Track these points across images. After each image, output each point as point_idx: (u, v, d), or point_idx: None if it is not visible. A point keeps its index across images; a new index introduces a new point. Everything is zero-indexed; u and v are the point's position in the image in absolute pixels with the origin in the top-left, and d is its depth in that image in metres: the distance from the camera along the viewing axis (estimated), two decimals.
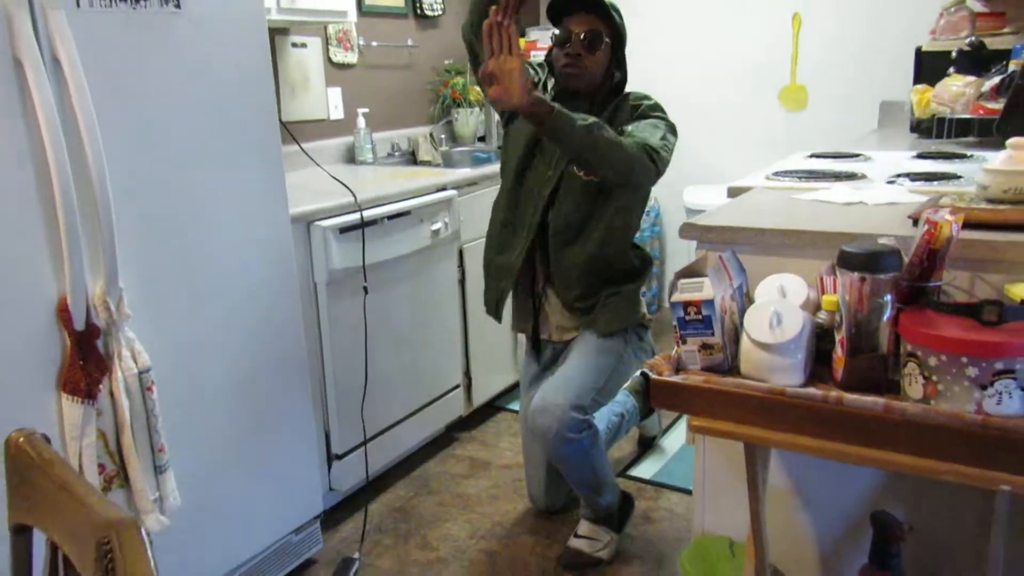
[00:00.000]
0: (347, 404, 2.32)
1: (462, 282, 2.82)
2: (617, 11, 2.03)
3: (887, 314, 1.24)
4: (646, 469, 2.62)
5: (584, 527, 2.16)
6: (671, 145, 1.98)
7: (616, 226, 2.06)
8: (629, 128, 1.96)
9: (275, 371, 1.99)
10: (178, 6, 1.64)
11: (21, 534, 0.69)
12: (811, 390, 1.22)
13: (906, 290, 1.26)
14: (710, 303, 1.32)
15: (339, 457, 2.34)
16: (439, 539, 2.29)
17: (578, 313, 2.11)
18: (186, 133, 1.70)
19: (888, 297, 1.23)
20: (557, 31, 2.04)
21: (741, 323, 1.34)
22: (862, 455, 1.17)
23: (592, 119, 1.82)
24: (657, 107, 2.05)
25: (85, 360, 1.50)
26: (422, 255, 2.58)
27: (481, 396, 2.99)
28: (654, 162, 1.89)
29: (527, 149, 2.08)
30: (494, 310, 2.23)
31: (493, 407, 3.14)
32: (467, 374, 2.90)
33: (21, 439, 0.65)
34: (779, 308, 1.29)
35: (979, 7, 2.92)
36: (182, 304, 1.74)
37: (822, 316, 1.36)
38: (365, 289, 2.30)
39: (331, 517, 2.38)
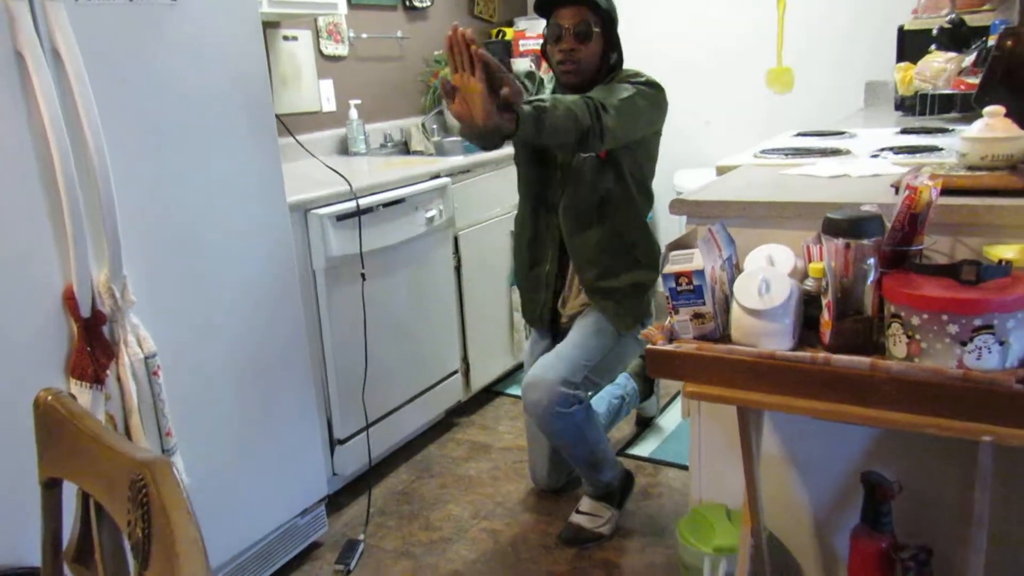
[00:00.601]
0: (348, 389, 2.36)
1: (458, 269, 2.85)
2: None
3: (871, 278, 1.29)
4: (644, 448, 2.67)
5: (585, 503, 2.20)
6: (638, 106, 1.94)
7: (625, 204, 2.10)
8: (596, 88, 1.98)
9: (277, 356, 2.02)
10: None
11: (52, 488, 0.72)
12: (800, 352, 1.26)
13: (889, 254, 1.31)
14: (700, 273, 1.36)
15: (341, 442, 2.38)
16: (442, 520, 2.33)
17: (598, 295, 2.14)
18: (184, 122, 1.73)
19: (872, 261, 1.27)
20: (547, 26, 2.06)
21: (731, 293, 1.38)
22: (850, 413, 1.22)
23: (547, 99, 1.78)
24: (636, 75, 2.06)
25: (92, 346, 1.53)
26: (418, 242, 2.61)
27: (479, 381, 3.03)
28: (598, 117, 1.83)
29: (536, 166, 2.15)
30: (539, 321, 2.29)
31: (491, 392, 3.18)
32: (465, 359, 2.94)
33: (49, 397, 0.68)
34: (767, 275, 1.33)
35: None
36: (185, 291, 1.77)
37: (809, 283, 1.40)
38: (363, 276, 2.34)
39: (335, 501, 2.42)
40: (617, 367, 2.21)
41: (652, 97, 2.00)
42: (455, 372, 2.88)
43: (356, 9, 3.23)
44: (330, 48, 3.14)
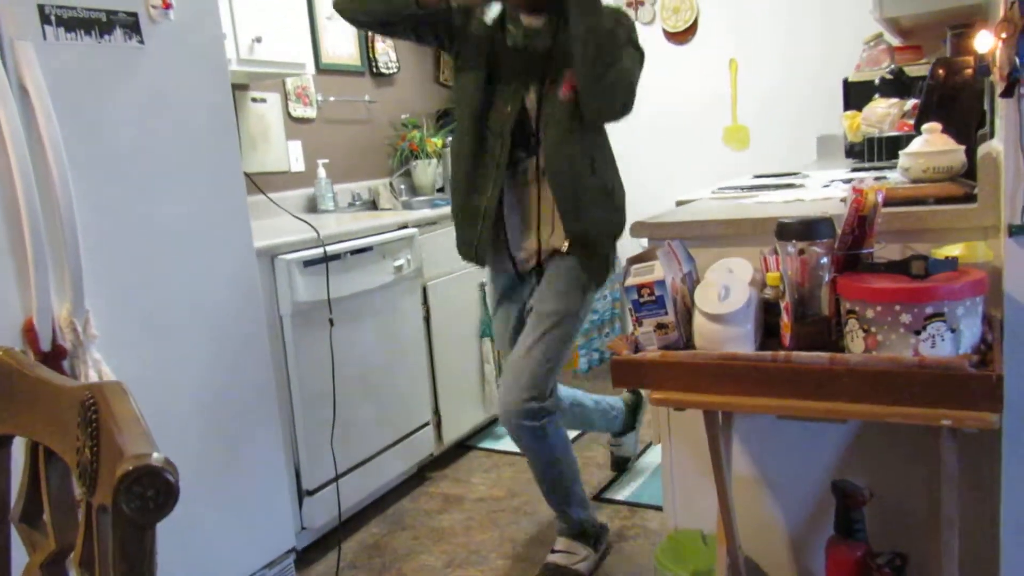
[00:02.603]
0: (317, 438, 2.32)
1: (427, 319, 2.85)
2: None
3: (826, 279, 1.32)
4: (620, 491, 2.63)
5: (561, 543, 2.15)
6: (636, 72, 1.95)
7: (602, 144, 2.07)
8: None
9: (243, 401, 1.99)
10: (141, 42, 1.72)
11: (2, 447, 0.70)
12: (761, 352, 1.28)
13: (842, 259, 1.35)
14: (662, 283, 1.39)
15: (310, 493, 2.31)
16: (414, 571, 2.26)
17: (579, 244, 2.03)
18: (151, 162, 1.76)
19: (824, 261, 1.31)
20: None
21: (692, 303, 1.41)
22: (813, 408, 1.23)
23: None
24: (636, 43, 2.00)
25: None
26: (386, 291, 2.62)
27: (452, 434, 2.99)
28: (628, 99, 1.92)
29: (483, 92, 2.02)
30: (473, 255, 2.13)
31: (464, 447, 3.13)
32: (436, 412, 2.91)
33: (1, 353, 0.67)
34: (727, 282, 1.36)
35: (896, 41, 3.14)
36: (149, 330, 1.76)
37: (768, 292, 1.43)
38: (331, 321, 2.33)
39: (304, 557, 2.34)
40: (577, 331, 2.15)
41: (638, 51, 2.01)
42: (427, 424, 2.84)
43: (324, 73, 3.32)
44: (299, 110, 3.22)
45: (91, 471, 0.51)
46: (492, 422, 3.28)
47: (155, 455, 0.49)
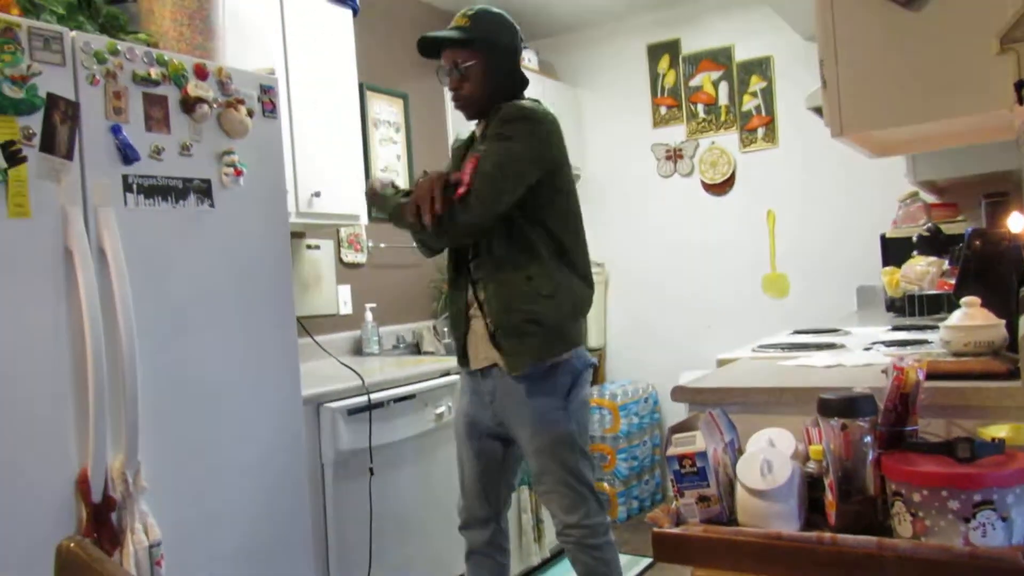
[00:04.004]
0: None
1: None
2: (478, 24, 2.05)
3: (870, 456, 1.31)
4: None
5: None
6: (501, 173, 1.92)
7: (525, 243, 2.01)
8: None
9: (279, 550, 1.99)
10: (212, 205, 1.86)
11: None
12: (807, 533, 1.26)
13: (885, 435, 1.34)
14: (703, 455, 1.39)
15: None
16: None
17: (501, 334, 2.01)
18: (212, 317, 1.85)
19: (868, 439, 1.31)
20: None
21: (735, 475, 1.40)
22: None
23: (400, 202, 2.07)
24: (514, 118, 1.99)
25: (99, 533, 1.53)
26: (426, 438, 2.63)
27: None
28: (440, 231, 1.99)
29: None
30: (462, 358, 2.16)
31: None
32: None
33: (72, 544, 0.70)
34: (768, 456, 1.36)
35: (931, 198, 3.22)
36: (194, 480, 1.79)
37: (811, 466, 1.42)
38: (371, 470, 2.34)
39: None
40: (584, 434, 2.09)
41: (518, 154, 1.95)
42: (461, 574, 2.77)
43: (376, 221, 3.49)
44: (350, 256, 3.37)
45: None
46: (529, 573, 3.18)
47: None
